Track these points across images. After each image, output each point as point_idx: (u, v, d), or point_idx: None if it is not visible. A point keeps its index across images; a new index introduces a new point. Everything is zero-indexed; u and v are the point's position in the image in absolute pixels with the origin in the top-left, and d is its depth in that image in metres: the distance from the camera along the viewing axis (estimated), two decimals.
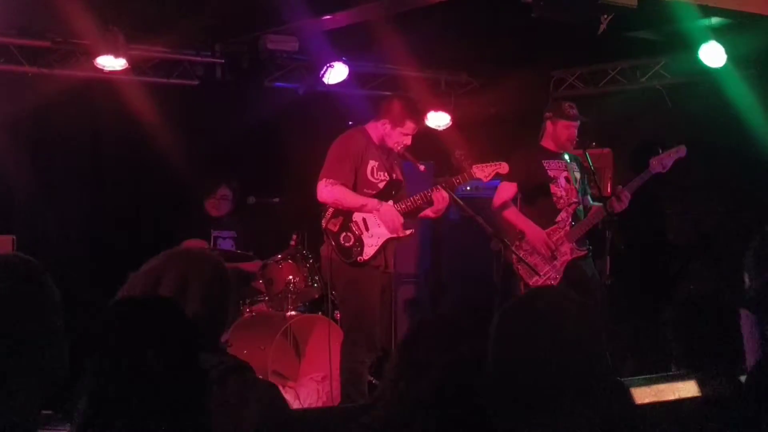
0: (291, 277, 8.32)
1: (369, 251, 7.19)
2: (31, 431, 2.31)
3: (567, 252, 7.85)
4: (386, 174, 7.35)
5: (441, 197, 7.19)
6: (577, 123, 7.97)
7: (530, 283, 7.88)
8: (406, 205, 7.29)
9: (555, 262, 7.83)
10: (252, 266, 8.83)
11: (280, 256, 8.51)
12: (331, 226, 7.22)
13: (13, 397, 2.26)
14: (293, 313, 8.25)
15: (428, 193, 7.25)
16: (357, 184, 7.23)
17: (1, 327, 2.27)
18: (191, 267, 3.18)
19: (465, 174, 7.32)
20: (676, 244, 9.73)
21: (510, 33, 8.73)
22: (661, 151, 7.89)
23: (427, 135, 9.89)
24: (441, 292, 10.09)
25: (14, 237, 8.24)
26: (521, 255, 7.69)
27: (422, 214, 7.41)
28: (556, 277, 7.84)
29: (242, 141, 9.54)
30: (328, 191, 7.15)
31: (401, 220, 7.22)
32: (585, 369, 2.34)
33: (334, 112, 8.58)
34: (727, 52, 8.62)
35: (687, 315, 3.80)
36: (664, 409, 3.72)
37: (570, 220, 7.90)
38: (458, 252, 9.79)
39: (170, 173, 8.98)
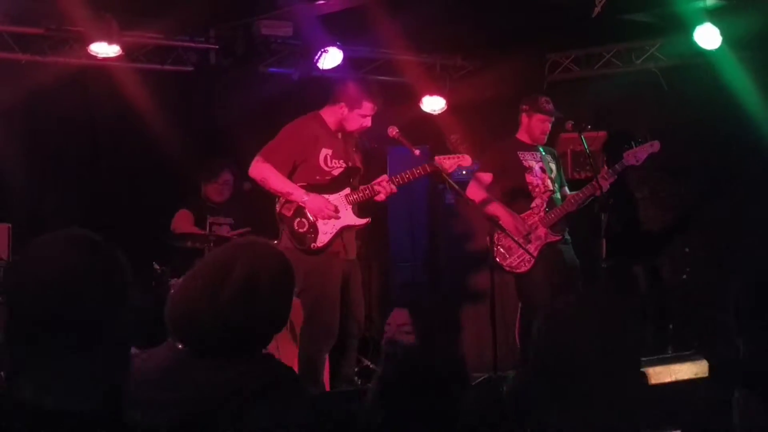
0: None
1: (323, 238, 7.15)
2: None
3: (541, 236, 8.04)
4: (342, 162, 7.32)
5: (383, 188, 7.27)
6: (552, 118, 8.19)
7: (504, 265, 8.09)
8: (357, 196, 7.31)
9: (529, 246, 7.97)
10: None
11: (275, 242, 8.50)
12: (285, 211, 7.19)
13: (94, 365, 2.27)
14: None
15: (373, 184, 7.32)
16: (306, 171, 7.20)
17: (72, 297, 2.26)
18: (262, 259, 3.10)
19: (429, 165, 7.37)
20: (673, 226, 9.74)
21: (505, 16, 8.73)
22: (634, 145, 8.05)
23: (422, 119, 9.90)
24: (438, 275, 10.09)
25: (10, 225, 8.24)
26: (502, 235, 7.87)
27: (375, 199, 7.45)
28: (530, 260, 7.97)
29: (237, 127, 9.52)
30: (257, 168, 7.16)
31: (332, 207, 7.17)
32: (605, 352, 2.37)
33: (327, 98, 8.54)
34: (722, 34, 8.62)
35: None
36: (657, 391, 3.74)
37: (544, 206, 8.10)
38: (455, 235, 9.79)
39: (165, 160, 8.96)
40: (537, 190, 8.14)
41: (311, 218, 7.14)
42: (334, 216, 7.17)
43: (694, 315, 8.95)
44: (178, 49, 9.36)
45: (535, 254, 8.00)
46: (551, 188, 8.19)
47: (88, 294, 2.28)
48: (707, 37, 8.68)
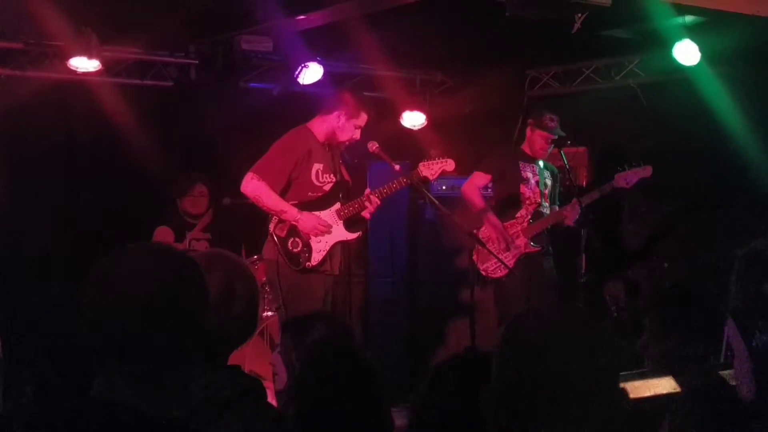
0: (266, 278, 8.30)
1: (317, 256, 7.14)
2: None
3: (521, 246, 8.25)
4: (332, 176, 7.31)
5: (371, 202, 7.27)
6: (554, 136, 8.32)
7: (481, 269, 8.31)
8: (348, 210, 7.29)
9: (508, 253, 8.18)
10: None
11: (255, 257, 8.50)
12: (278, 232, 7.13)
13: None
14: (269, 313, 8.23)
15: (362, 198, 7.30)
16: (299, 187, 7.18)
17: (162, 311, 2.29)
18: (235, 268, 3.16)
19: (414, 173, 7.37)
20: (651, 242, 9.76)
21: (484, 32, 8.74)
22: (626, 168, 8.16)
23: (402, 134, 9.90)
24: (418, 290, 10.08)
25: None
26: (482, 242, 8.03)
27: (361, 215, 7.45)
28: (508, 267, 8.13)
29: (217, 142, 9.50)
30: (251, 186, 7.08)
31: (325, 224, 7.16)
32: (589, 374, 2.32)
33: (308, 113, 8.55)
34: (701, 50, 8.66)
35: (661, 317, 3.83)
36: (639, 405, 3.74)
37: (529, 217, 8.31)
38: (435, 250, 9.80)
39: (145, 175, 8.93)
40: (527, 201, 8.34)
41: (305, 237, 7.11)
42: (327, 233, 7.16)
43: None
44: (158, 64, 9.34)
45: (511, 264, 8.13)
46: (539, 201, 8.34)
47: (177, 308, 2.31)
48: (686, 53, 8.72)
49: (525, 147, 8.49)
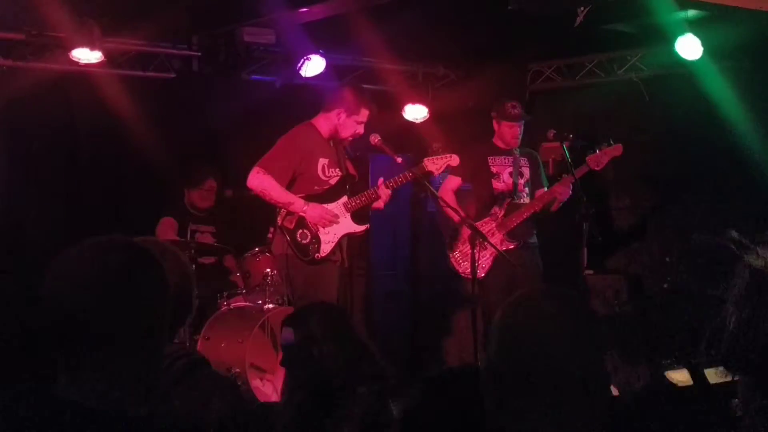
0: (268, 269, 8.32)
1: (326, 248, 7.20)
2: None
3: (496, 243, 8.11)
4: (339, 170, 7.36)
5: (383, 192, 7.29)
6: (520, 123, 8.31)
7: (459, 271, 8.31)
8: (355, 203, 7.32)
9: (485, 252, 8.09)
10: (232, 261, 8.98)
11: (257, 249, 8.52)
12: (287, 224, 7.19)
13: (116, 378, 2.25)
14: (271, 306, 8.24)
15: (373, 190, 7.32)
16: (305, 182, 7.23)
17: (108, 300, 2.26)
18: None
19: (419, 168, 7.41)
20: (653, 235, 9.76)
21: (487, 25, 8.75)
22: (597, 150, 8.15)
23: (404, 127, 9.91)
24: (420, 283, 10.09)
25: None
26: (459, 242, 8.11)
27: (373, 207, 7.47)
28: (485, 266, 8.12)
29: (219, 134, 9.51)
30: (258, 179, 7.15)
31: (332, 214, 7.21)
32: (578, 365, 2.33)
33: (310, 106, 8.55)
34: (703, 44, 8.65)
35: (644, 310, 3.85)
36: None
37: (502, 213, 8.25)
38: (437, 244, 9.79)
39: (147, 167, 8.93)
40: (500, 196, 8.31)
41: (313, 229, 7.17)
42: (335, 223, 7.19)
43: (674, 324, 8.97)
44: (161, 55, 9.33)
45: (489, 264, 8.13)
46: (512, 195, 8.30)
47: (124, 298, 2.28)
48: (689, 47, 8.71)
49: (496, 140, 8.46)
